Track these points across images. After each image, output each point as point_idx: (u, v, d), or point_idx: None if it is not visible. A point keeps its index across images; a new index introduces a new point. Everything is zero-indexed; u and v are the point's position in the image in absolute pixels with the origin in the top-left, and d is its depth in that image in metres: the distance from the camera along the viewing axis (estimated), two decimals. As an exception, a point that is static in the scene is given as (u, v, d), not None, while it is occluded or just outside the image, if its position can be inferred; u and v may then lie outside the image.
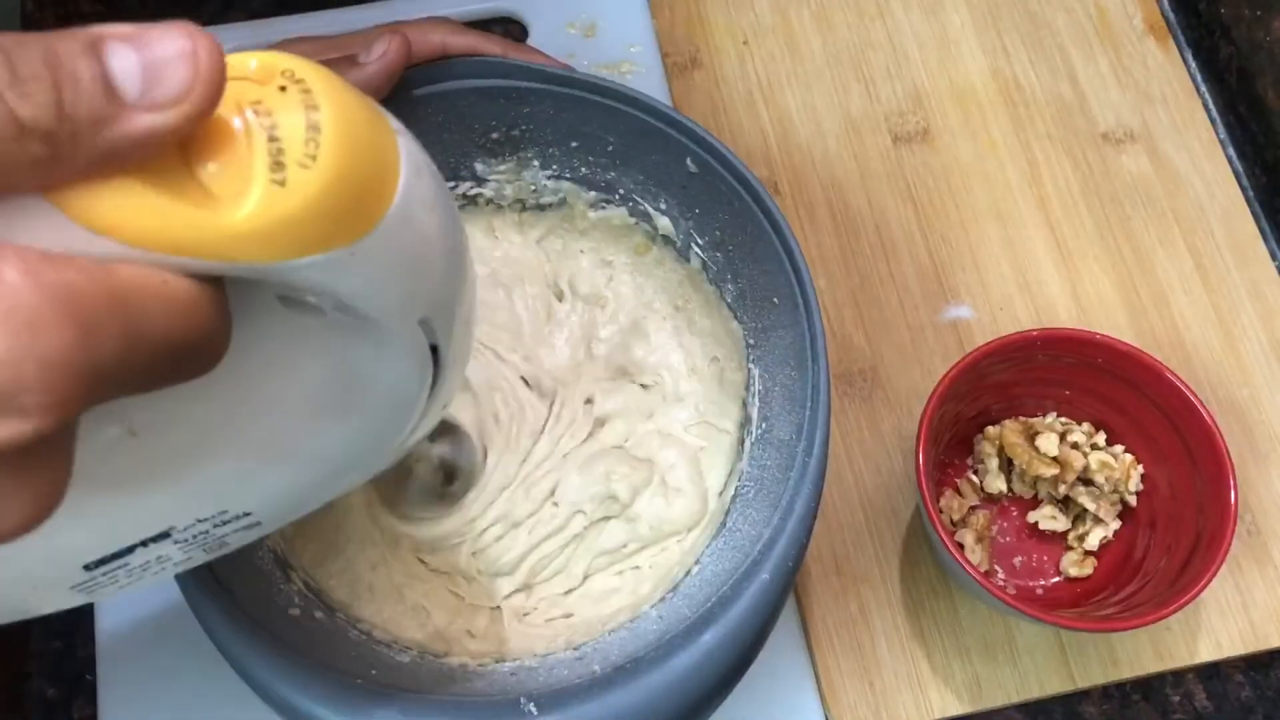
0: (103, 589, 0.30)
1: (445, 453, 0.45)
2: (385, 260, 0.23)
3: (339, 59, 0.42)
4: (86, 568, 0.28)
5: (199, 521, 0.29)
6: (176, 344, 0.20)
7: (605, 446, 0.47)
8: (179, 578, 0.36)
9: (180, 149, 0.21)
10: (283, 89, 0.21)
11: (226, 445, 0.28)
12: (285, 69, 0.21)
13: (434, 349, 0.28)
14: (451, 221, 0.27)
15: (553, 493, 0.46)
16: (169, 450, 0.27)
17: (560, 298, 0.50)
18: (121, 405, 0.21)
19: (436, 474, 0.45)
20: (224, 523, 0.30)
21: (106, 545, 0.28)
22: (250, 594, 0.38)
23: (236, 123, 0.21)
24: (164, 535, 0.29)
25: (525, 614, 0.45)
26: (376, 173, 0.23)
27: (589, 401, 0.48)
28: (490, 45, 0.46)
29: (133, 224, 0.19)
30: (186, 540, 0.30)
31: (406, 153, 0.24)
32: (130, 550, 0.28)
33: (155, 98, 0.19)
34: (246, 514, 0.31)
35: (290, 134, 0.21)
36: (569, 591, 0.45)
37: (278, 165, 0.20)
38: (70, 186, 0.19)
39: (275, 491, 0.31)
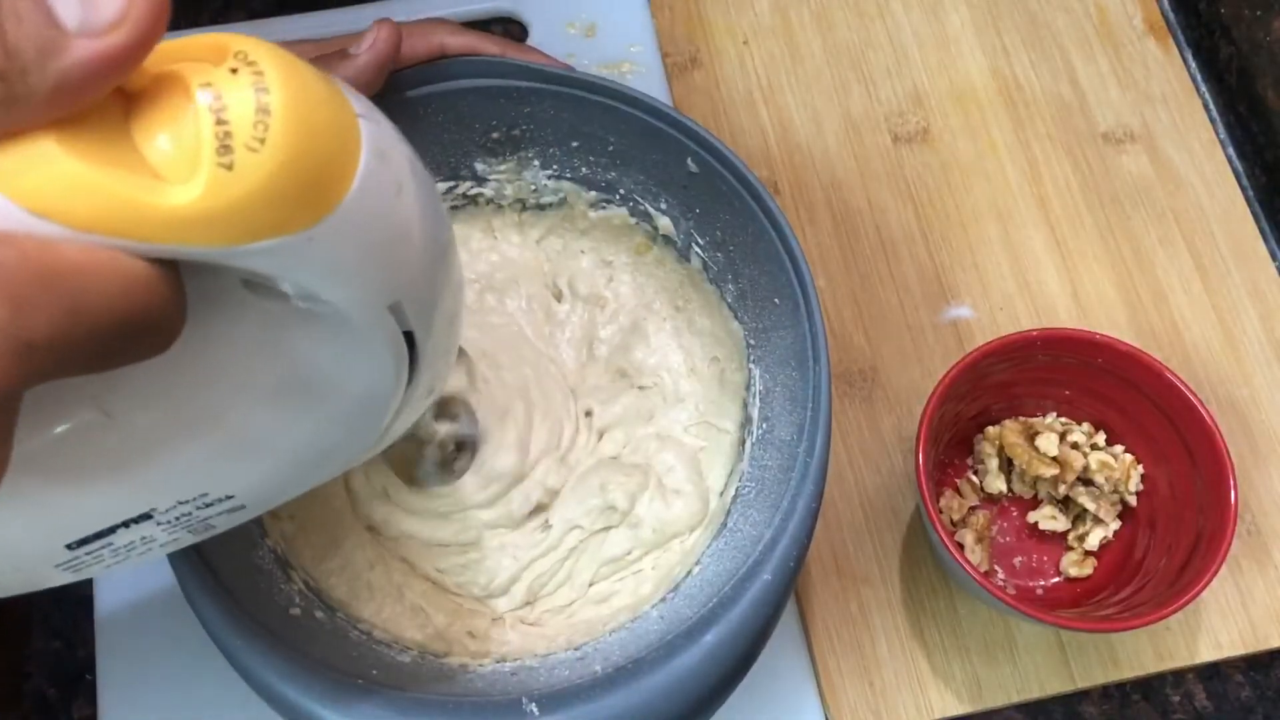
0: (89, 568, 0.30)
1: (451, 431, 0.45)
2: (345, 246, 0.23)
3: (331, 53, 0.42)
4: (69, 547, 0.28)
5: (180, 504, 0.29)
6: (124, 322, 0.20)
7: (602, 458, 0.47)
8: (179, 578, 0.36)
9: (128, 129, 0.20)
10: (234, 70, 0.21)
11: (198, 429, 0.28)
12: (239, 50, 0.21)
13: (410, 337, 0.27)
14: (425, 206, 0.26)
15: (547, 519, 0.46)
16: (143, 433, 0.26)
17: (559, 298, 0.50)
18: (93, 388, 0.21)
19: (446, 450, 0.45)
20: (206, 505, 0.30)
21: (88, 525, 0.28)
22: (251, 593, 0.38)
23: (186, 106, 0.20)
24: (146, 516, 0.29)
25: (527, 622, 0.45)
26: (332, 156, 0.22)
27: (588, 414, 0.48)
28: (489, 45, 0.46)
29: (76, 207, 0.19)
30: (170, 522, 0.30)
31: (369, 136, 0.23)
32: (112, 530, 0.28)
33: (96, 23, 0.19)
34: (229, 497, 0.30)
35: (239, 116, 0.20)
36: (573, 601, 0.45)
37: (225, 149, 0.20)
38: (16, 168, 0.19)
39: (254, 476, 0.31)
